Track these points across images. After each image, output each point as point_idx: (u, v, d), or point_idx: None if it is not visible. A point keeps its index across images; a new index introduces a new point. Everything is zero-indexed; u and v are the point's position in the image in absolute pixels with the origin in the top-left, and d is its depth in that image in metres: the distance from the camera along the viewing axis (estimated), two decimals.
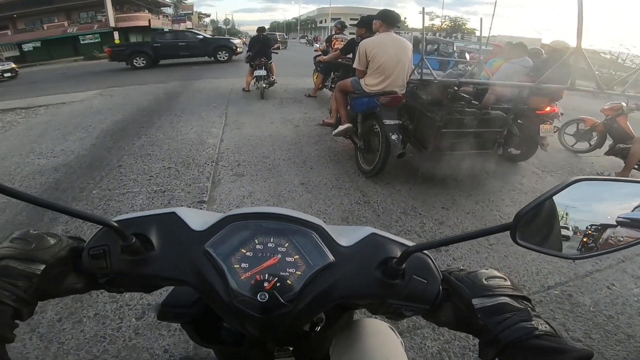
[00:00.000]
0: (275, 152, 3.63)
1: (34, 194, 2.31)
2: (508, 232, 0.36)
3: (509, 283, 0.42)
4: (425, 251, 0.43)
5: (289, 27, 73.40)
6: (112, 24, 27.55)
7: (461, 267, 0.47)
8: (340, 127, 3.16)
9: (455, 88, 2.68)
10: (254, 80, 6.34)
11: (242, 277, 0.40)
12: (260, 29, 6.85)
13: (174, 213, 0.45)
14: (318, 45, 7.09)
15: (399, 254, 0.43)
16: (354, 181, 3.02)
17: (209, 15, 53.48)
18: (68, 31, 28.33)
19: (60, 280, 0.41)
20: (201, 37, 13.36)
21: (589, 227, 0.38)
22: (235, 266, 0.40)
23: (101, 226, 0.41)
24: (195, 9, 46.33)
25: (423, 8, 3.33)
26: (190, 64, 12.76)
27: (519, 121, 3.34)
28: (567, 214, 0.38)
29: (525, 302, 0.40)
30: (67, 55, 27.10)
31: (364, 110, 2.98)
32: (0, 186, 0.31)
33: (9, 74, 12.36)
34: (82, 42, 28.42)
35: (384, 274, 0.42)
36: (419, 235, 2.31)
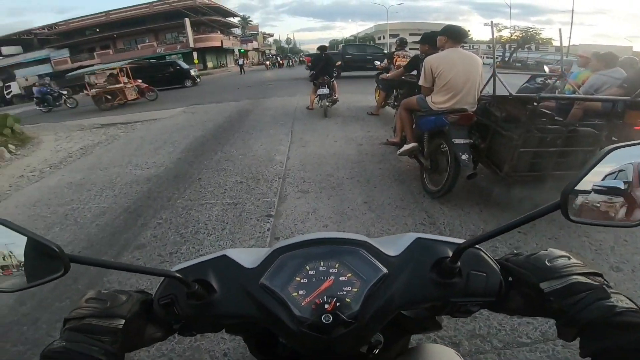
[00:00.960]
0: (339, 170, 3.70)
1: (131, 200, 2.68)
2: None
3: (575, 260, 0.41)
4: (477, 245, 0.42)
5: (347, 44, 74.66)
6: (191, 44, 30.85)
7: (515, 251, 0.46)
8: (406, 146, 3.11)
9: (535, 104, 2.48)
10: (317, 98, 6.53)
11: (303, 304, 0.41)
12: (322, 48, 7.07)
13: (224, 255, 0.48)
14: (379, 63, 7.09)
15: (449, 253, 0.43)
16: (418, 202, 2.93)
17: (272, 35, 57.31)
18: (157, 51, 32.32)
19: (141, 332, 0.45)
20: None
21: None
22: (294, 294, 0.42)
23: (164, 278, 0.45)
24: (260, 30, 49.92)
25: (491, 21, 3.19)
26: (258, 84, 13.73)
27: (613, 138, 2.94)
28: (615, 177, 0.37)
29: (597, 278, 0.38)
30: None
31: (431, 128, 2.90)
32: (73, 257, 0.35)
33: None
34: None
35: (440, 275, 0.43)
36: None
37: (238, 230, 2.61)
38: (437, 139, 2.89)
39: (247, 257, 0.48)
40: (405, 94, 4.34)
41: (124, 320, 0.41)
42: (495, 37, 3.49)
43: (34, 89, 14.17)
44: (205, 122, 6.85)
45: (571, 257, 0.42)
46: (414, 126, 3.14)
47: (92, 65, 31.92)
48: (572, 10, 24.52)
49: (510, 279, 0.44)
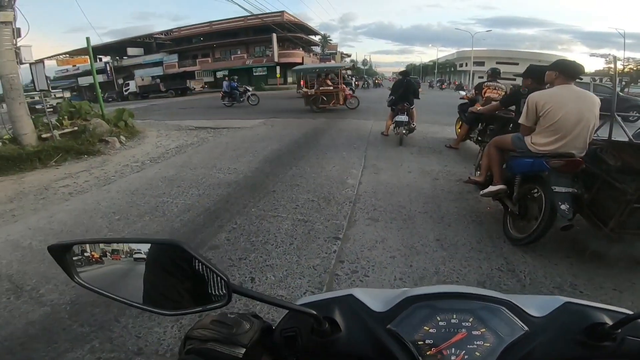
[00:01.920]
0: (412, 203, 3.56)
1: (212, 202, 2.92)
2: None
3: None
4: None
5: (425, 70, 73.12)
6: (276, 59, 33.10)
7: None
8: (492, 188, 2.85)
9: None
10: (394, 125, 6.34)
11: (429, 353, 0.41)
12: (404, 73, 6.96)
13: (351, 295, 0.48)
14: (465, 93, 6.74)
15: (605, 318, 0.42)
16: (497, 246, 2.65)
17: (349, 56, 58.70)
18: (246, 62, 35.35)
19: None
20: None
21: None
22: (420, 343, 0.41)
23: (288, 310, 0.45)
24: (338, 49, 51.57)
25: (614, 57, 2.85)
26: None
27: None
28: None
29: None
30: (243, 84, 33.80)
31: (525, 171, 2.62)
32: (237, 288, 0.37)
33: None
34: (254, 74, 35.02)
35: (591, 338, 0.41)
36: None
37: (305, 247, 2.66)
38: (531, 184, 2.61)
39: (374, 299, 0.48)
40: (497, 130, 4.00)
41: (244, 350, 0.41)
42: (600, 68, 3.06)
43: (224, 83, 15.25)
44: (283, 136, 7.23)
45: None
46: (503, 167, 2.88)
47: (193, 71, 36.56)
48: None
49: None
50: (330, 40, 49.49)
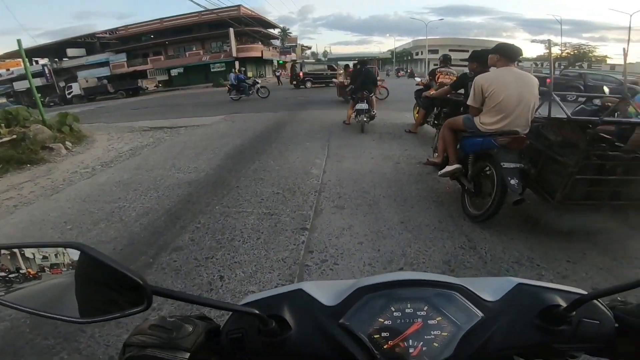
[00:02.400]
0: (376, 188, 3.64)
1: (172, 203, 2.77)
2: None
3: None
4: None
5: (384, 59, 74.91)
6: (234, 54, 32.16)
7: (620, 299, 0.45)
8: (448, 168, 2.99)
9: (594, 128, 2.30)
10: (355, 113, 6.48)
11: (385, 347, 0.39)
12: (362, 62, 7.09)
13: (300, 289, 0.45)
14: (420, 79, 6.98)
15: (559, 300, 0.42)
16: (458, 225, 2.80)
17: (310, 48, 58.67)
18: (202, 59, 34.02)
19: None
20: None
21: None
22: (376, 336, 0.40)
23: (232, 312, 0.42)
24: (298, 42, 51.20)
25: (549, 40, 3.09)
26: (296, 95, 14.06)
27: None
28: None
29: None
30: (200, 81, 32.40)
31: (477, 150, 2.78)
32: (157, 290, 0.33)
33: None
34: (212, 70, 33.74)
35: (547, 322, 0.41)
36: None
37: (272, 240, 2.63)
38: (483, 162, 2.76)
39: (325, 292, 0.45)
40: (450, 113, 4.20)
41: (189, 354, 0.39)
42: (541, 54, 3.30)
43: (231, 76, 14.31)
44: (244, 131, 7.08)
45: None
46: (458, 147, 3.03)
47: (145, 70, 34.56)
48: (630, 27, 22.85)
49: (616, 325, 0.42)
50: (290, 33, 48.87)
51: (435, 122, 5.28)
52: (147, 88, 29.90)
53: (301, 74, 19.87)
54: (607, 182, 2.36)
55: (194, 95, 20.69)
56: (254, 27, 33.22)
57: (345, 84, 11.11)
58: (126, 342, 0.40)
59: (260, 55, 34.62)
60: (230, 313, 0.44)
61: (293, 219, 2.98)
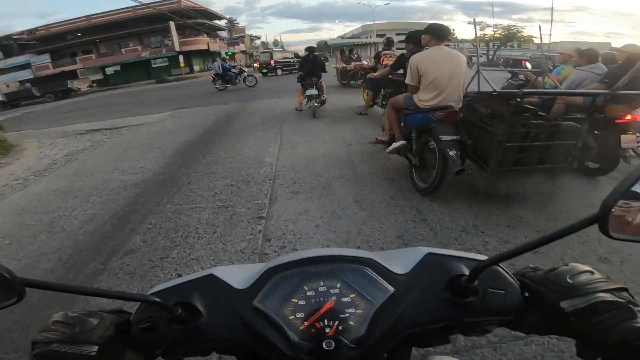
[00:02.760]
0: (329, 170, 3.71)
1: (119, 206, 2.61)
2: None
3: (598, 275, 0.38)
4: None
5: (335, 45, 75.09)
6: (177, 48, 30.45)
7: (532, 266, 0.43)
8: (394, 145, 3.14)
9: (518, 99, 2.53)
10: (306, 99, 6.55)
11: (301, 328, 0.38)
12: (310, 49, 7.08)
13: (211, 275, 0.44)
14: (366, 63, 7.15)
15: (464, 269, 0.40)
16: (409, 199, 2.96)
17: (259, 38, 57.12)
18: (142, 55, 31.79)
19: (119, 358, 0.41)
20: None
21: None
22: (290, 317, 0.38)
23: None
24: (247, 32, 49.64)
25: (474, 19, 3.26)
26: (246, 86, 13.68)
27: (595, 132, 3.03)
28: None
29: (623, 293, 0.36)
30: (142, 78, 30.23)
31: (418, 126, 2.94)
32: (28, 282, 0.31)
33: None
34: (153, 65, 31.63)
35: (454, 294, 0.40)
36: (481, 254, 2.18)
37: (229, 233, 2.59)
38: (425, 137, 2.93)
39: (237, 276, 0.44)
40: (393, 92, 4.38)
41: (97, 347, 0.38)
42: (478, 35, 3.55)
43: (215, 64, 13.58)
44: (193, 126, 6.78)
45: (595, 272, 0.39)
46: (401, 124, 3.17)
47: (74, 70, 31.45)
48: (552, 8, 25.04)
49: (526, 294, 0.41)
50: (237, 23, 47.17)
51: (383, 102, 5.48)
52: (79, 89, 27.22)
53: (272, 62, 20.67)
54: (533, 148, 2.60)
55: (135, 93, 19.24)
56: (197, 20, 31.52)
57: (348, 69, 10.60)
58: (34, 339, 0.39)
59: (206, 47, 33.02)
60: (139, 304, 0.42)
61: (248, 209, 2.95)
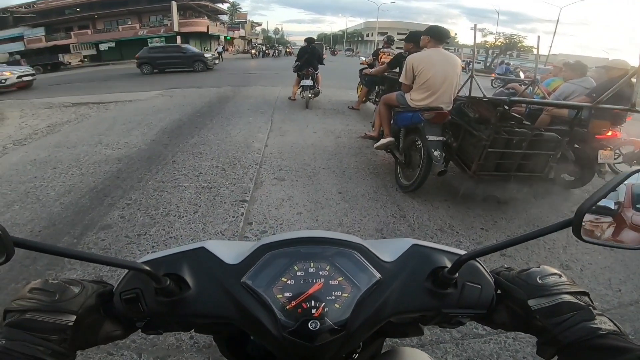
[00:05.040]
0: (316, 160, 3.74)
1: (99, 180, 2.55)
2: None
3: (565, 279, 0.41)
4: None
5: (335, 39, 74.77)
6: (176, 28, 29.77)
7: (507, 266, 0.46)
8: (382, 140, 3.17)
9: (506, 107, 2.59)
10: (300, 89, 6.55)
11: (288, 307, 0.38)
12: (309, 40, 7.04)
13: (203, 248, 0.43)
14: (364, 59, 7.15)
15: (447, 262, 0.42)
16: (391, 195, 3.01)
17: (260, 25, 56.26)
18: (139, 33, 30.95)
19: (96, 329, 0.39)
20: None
21: None
22: (278, 296, 0.39)
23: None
24: (248, 18, 48.81)
25: (475, 25, 3.28)
26: (241, 72, 13.49)
27: (575, 145, 3.13)
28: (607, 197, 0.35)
29: (584, 298, 0.39)
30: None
31: (407, 124, 2.98)
32: (19, 241, 0.29)
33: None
34: (150, 44, 30.83)
35: (435, 285, 0.42)
36: None
37: (211, 213, 2.59)
38: (413, 135, 2.97)
39: (229, 251, 0.44)
40: (386, 90, 4.42)
41: (75, 317, 0.36)
42: (479, 41, 3.59)
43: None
44: (184, 106, 6.67)
45: (562, 275, 0.41)
46: (391, 122, 3.21)
47: (69, 45, 30.35)
48: (557, 20, 25.29)
49: (499, 292, 0.43)
50: (240, 8, 46.19)
51: (377, 99, 5.52)
52: (70, 63, 26.30)
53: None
54: (513, 156, 2.69)
55: (127, 69, 18.68)
56: (200, 1, 30.80)
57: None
58: (6, 307, 0.36)
59: (206, 30, 32.35)
60: (125, 272, 0.41)
61: (232, 191, 2.95)
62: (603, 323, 0.35)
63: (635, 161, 3.68)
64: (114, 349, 1.44)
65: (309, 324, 0.37)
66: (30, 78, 10.79)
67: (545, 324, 0.37)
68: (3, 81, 9.67)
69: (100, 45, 31.25)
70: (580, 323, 0.35)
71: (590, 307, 0.37)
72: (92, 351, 1.41)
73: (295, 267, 0.41)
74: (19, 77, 10.18)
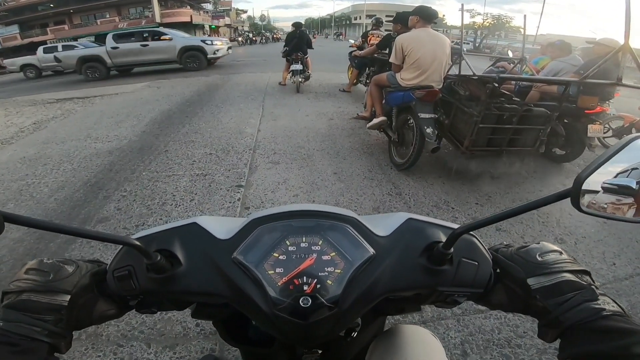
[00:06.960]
0: (310, 143, 3.74)
1: (92, 173, 2.53)
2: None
3: (565, 256, 0.39)
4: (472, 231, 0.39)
5: (323, 23, 73.58)
6: (157, 19, 28.87)
7: (506, 243, 0.44)
8: (375, 120, 3.19)
9: (495, 84, 2.61)
10: (290, 74, 6.49)
11: (279, 283, 0.37)
12: (297, 25, 6.96)
13: (195, 223, 0.43)
14: (353, 42, 7.08)
15: (442, 236, 0.41)
16: (386, 173, 3.04)
17: (245, 12, 54.94)
18: (118, 26, 29.86)
19: (90, 309, 0.39)
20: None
21: None
22: (270, 272, 0.38)
23: (121, 246, 0.40)
24: (233, 6, 47.60)
25: (462, 5, 3.25)
26: (229, 60, 13.21)
27: (565, 120, 3.19)
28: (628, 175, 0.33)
29: (585, 277, 0.37)
30: None
31: (399, 103, 2.99)
32: (10, 216, 0.29)
33: None
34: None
35: (430, 261, 0.40)
36: None
37: (207, 200, 2.60)
38: (405, 114, 2.99)
39: (221, 226, 0.43)
40: (377, 71, 4.42)
41: (69, 296, 0.36)
42: (468, 22, 3.57)
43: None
44: (172, 96, 6.55)
45: (563, 252, 0.40)
46: (383, 101, 3.22)
47: (46, 41, 29.34)
48: (543, 1, 25.08)
49: (498, 270, 0.42)
50: None
51: (367, 81, 5.51)
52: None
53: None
54: (504, 131, 2.73)
55: None
56: None
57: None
58: (4, 289, 0.37)
59: (189, 20, 31.43)
60: (118, 249, 0.41)
61: (228, 177, 2.95)
62: (606, 304, 0.33)
63: (624, 135, 3.75)
64: (123, 341, 1.46)
65: (301, 301, 0.36)
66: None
67: (545, 305, 0.36)
68: None
69: (79, 40, 30.39)
70: (583, 303, 0.34)
71: (593, 287, 0.35)
72: (102, 343, 1.44)
73: (287, 241, 0.40)
74: None
